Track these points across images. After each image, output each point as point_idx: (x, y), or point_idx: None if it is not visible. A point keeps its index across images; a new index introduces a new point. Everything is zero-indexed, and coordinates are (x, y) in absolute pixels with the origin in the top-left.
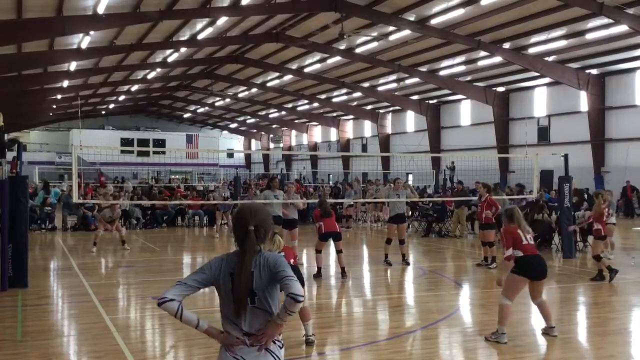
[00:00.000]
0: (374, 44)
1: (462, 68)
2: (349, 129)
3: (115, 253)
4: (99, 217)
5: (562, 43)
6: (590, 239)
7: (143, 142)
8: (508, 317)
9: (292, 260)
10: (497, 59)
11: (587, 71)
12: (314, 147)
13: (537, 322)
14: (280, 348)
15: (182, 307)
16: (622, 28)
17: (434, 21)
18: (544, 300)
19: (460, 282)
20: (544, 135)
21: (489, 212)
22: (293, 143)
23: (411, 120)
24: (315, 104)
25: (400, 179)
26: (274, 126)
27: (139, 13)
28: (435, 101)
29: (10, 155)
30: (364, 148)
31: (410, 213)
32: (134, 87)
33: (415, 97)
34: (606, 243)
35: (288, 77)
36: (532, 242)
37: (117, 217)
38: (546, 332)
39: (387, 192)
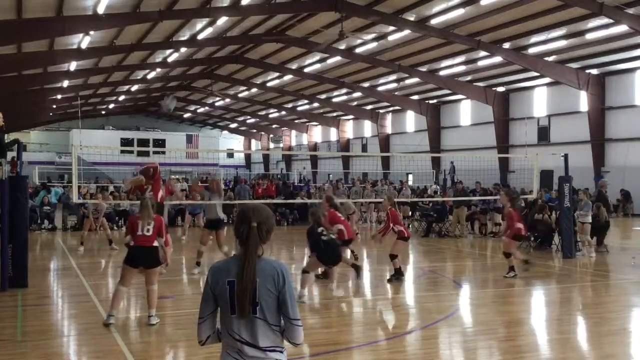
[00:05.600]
0: (374, 44)
1: (462, 68)
2: (349, 129)
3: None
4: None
5: (562, 43)
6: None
7: (143, 142)
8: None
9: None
10: (497, 59)
11: (587, 71)
12: (314, 147)
13: (536, 322)
14: (282, 353)
15: (219, 334)
16: (622, 28)
17: (434, 21)
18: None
19: (460, 282)
20: (544, 135)
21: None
22: (293, 143)
23: (411, 120)
24: (315, 104)
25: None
26: (274, 126)
27: (139, 13)
28: (435, 101)
29: (10, 155)
30: (364, 148)
31: (410, 213)
32: (134, 87)
33: (415, 97)
34: (586, 241)
35: (288, 77)
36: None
37: (101, 214)
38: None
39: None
